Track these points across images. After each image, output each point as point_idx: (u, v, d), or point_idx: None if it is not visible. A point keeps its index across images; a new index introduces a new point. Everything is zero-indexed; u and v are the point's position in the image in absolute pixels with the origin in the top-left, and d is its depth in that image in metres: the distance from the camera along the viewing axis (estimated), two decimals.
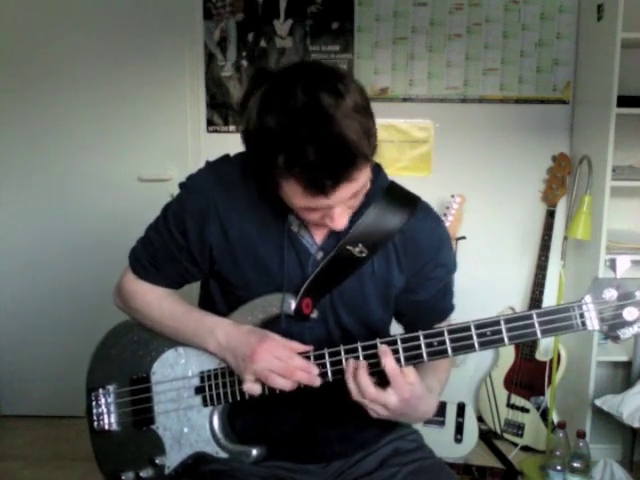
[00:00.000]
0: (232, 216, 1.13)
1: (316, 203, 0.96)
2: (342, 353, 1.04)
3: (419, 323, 1.20)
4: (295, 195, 0.96)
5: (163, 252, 1.19)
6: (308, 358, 1.06)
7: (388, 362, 0.99)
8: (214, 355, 1.13)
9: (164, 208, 1.21)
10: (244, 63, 2.60)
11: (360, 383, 0.99)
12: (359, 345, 1.04)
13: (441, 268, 1.19)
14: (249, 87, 0.96)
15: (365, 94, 0.97)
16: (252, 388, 1.08)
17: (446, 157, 2.60)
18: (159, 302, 1.21)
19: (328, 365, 1.05)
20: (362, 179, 0.96)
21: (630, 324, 0.92)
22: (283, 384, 1.04)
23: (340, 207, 1.00)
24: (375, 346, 1.02)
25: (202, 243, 1.15)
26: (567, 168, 2.50)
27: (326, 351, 1.05)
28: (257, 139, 0.94)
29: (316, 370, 1.04)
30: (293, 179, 0.92)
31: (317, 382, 1.04)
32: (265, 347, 1.05)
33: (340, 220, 1.01)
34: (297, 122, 0.89)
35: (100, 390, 1.25)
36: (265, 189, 1.04)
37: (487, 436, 2.56)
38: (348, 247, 1.11)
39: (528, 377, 2.51)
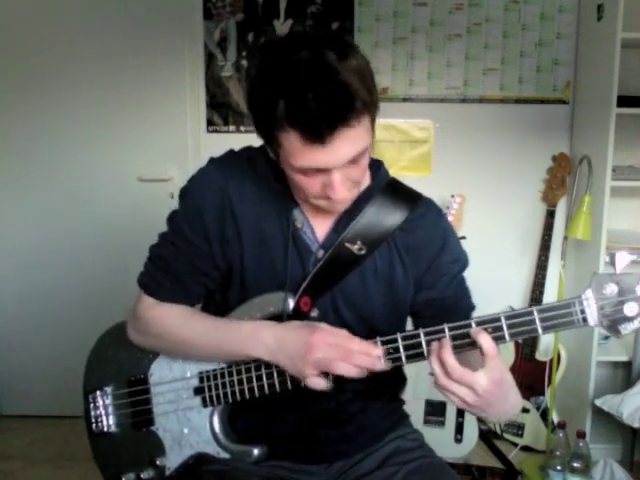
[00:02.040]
0: (243, 210, 1.12)
1: (315, 158, 0.94)
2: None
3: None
4: (295, 151, 0.95)
5: (181, 264, 1.14)
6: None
7: (485, 341, 0.93)
8: (264, 361, 1.07)
9: (170, 220, 1.16)
10: (244, 63, 2.60)
11: (445, 360, 0.93)
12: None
13: (454, 263, 1.18)
14: (256, 54, 0.98)
15: (368, 63, 0.97)
16: (317, 382, 1.01)
17: (446, 157, 2.60)
18: (187, 322, 1.14)
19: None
20: (361, 133, 0.95)
21: (631, 319, 0.92)
22: (347, 370, 0.98)
23: (340, 173, 0.98)
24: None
25: (222, 239, 1.12)
26: (567, 168, 2.50)
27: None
28: (259, 91, 0.95)
29: (376, 351, 0.99)
30: (292, 129, 0.92)
31: (378, 365, 0.99)
32: (319, 337, 1.00)
33: (341, 190, 0.99)
34: (299, 71, 0.90)
35: (97, 392, 1.23)
36: (276, 184, 1.04)
37: (487, 436, 2.56)
38: (347, 244, 1.11)
39: (528, 377, 2.51)
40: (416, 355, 1.00)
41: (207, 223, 1.11)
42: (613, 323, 0.92)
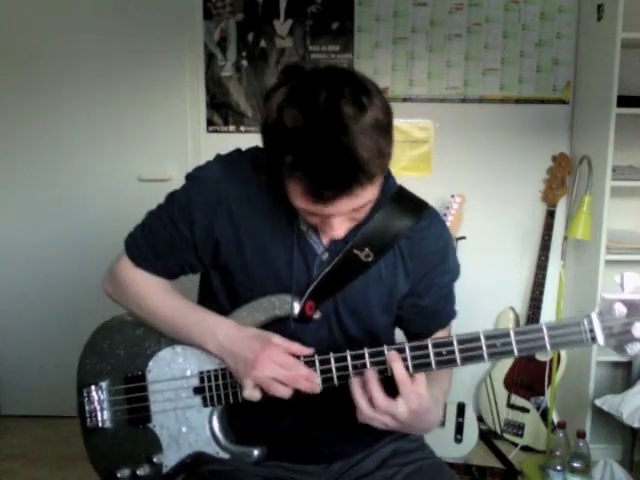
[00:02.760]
0: (243, 211, 1.12)
1: (316, 209, 0.96)
2: (348, 359, 1.03)
3: (421, 329, 1.20)
4: (297, 197, 0.96)
5: (164, 242, 1.16)
6: (313, 362, 1.05)
7: (397, 369, 0.98)
8: (212, 354, 1.12)
9: (169, 196, 1.18)
10: (244, 63, 2.60)
11: (372, 394, 0.98)
12: (366, 351, 1.03)
13: (447, 274, 1.19)
14: (278, 80, 0.96)
15: (389, 113, 0.96)
16: (252, 394, 1.06)
17: (446, 157, 2.60)
18: (156, 294, 1.17)
19: (334, 370, 1.04)
20: (366, 196, 0.96)
21: (638, 340, 0.94)
22: (283, 392, 1.03)
23: (340, 218, 1.00)
24: (383, 352, 1.01)
25: (208, 236, 1.13)
26: (567, 168, 2.50)
27: (332, 356, 1.04)
28: (272, 133, 0.94)
29: (318, 379, 1.04)
30: (296, 181, 0.92)
31: (318, 390, 1.04)
32: (268, 354, 1.04)
33: (338, 230, 1.01)
34: (312, 126, 0.89)
35: (92, 387, 1.22)
36: (275, 185, 1.05)
37: (487, 436, 2.56)
38: (355, 251, 1.11)
39: (528, 377, 2.51)
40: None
41: (195, 216, 1.12)
42: (620, 343, 0.95)
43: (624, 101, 2.18)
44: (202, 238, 1.14)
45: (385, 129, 0.94)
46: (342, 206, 0.95)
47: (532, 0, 2.52)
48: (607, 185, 2.21)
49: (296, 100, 0.91)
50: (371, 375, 0.99)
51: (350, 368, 1.03)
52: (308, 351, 1.06)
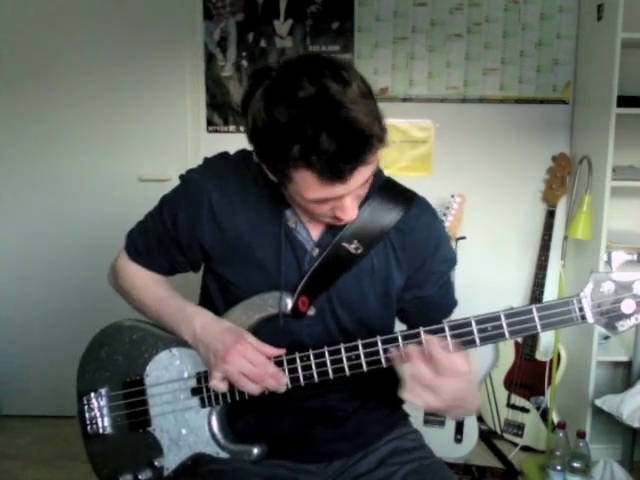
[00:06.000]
0: (227, 214, 1.13)
1: (331, 192, 0.95)
2: (342, 351, 1.04)
3: (425, 320, 1.20)
4: (309, 187, 0.95)
5: (155, 239, 1.21)
6: (308, 357, 1.06)
7: (436, 351, 0.93)
8: (188, 344, 1.14)
9: (162, 197, 1.23)
10: (244, 63, 2.60)
11: (417, 368, 0.93)
12: (359, 342, 1.03)
13: (444, 263, 1.19)
14: (250, 85, 0.96)
15: (366, 81, 0.97)
16: (218, 386, 1.08)
17: (446, 157, 2.60)
18: (147, 285, 1.24)
19: (329, 364, 1.04)
20: (374, 162, 0.97)
21: (628, 316, 0.94)
22: (252, 389, 1.05)
23: (351, 196, 1.00)
24: (376, 343, 1.02)
25: (192, 238, 1.16)
26: (567, 168, 2.50)
27: (326, 349, 1.04)
28: (268, 134, 0.94)
29: (285, 379, 1.06)
30: (309, 170, 0.92)
31: (283, 389, 1.06)
32: (239, 349, 1.05)
33: (351, 210, 1.02)
34: (308, 111, 0.89)
35: (92, 394, 1.23)
36: (268, 186, 1.06)
37: (487, 436, 2.56)
38: (343, 244, 1.11)
39: (528, 377, 2.51)
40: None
41: (179, 217, 1.17)
42: (610, 320, 0.95)
43: (624, 101, 2.17)
44: (186, 238, 1.17)
45: (370, 94, 0.96)
46: (359, 178, 0.95)
47: (532, 0, 2.52)
48: (607, 185, 2.21)
49: (280, 96, 0.91)
50: (431, 339, 0.95)
51: (344, 360, 1.03)
52: (279, 352, 1.07)
